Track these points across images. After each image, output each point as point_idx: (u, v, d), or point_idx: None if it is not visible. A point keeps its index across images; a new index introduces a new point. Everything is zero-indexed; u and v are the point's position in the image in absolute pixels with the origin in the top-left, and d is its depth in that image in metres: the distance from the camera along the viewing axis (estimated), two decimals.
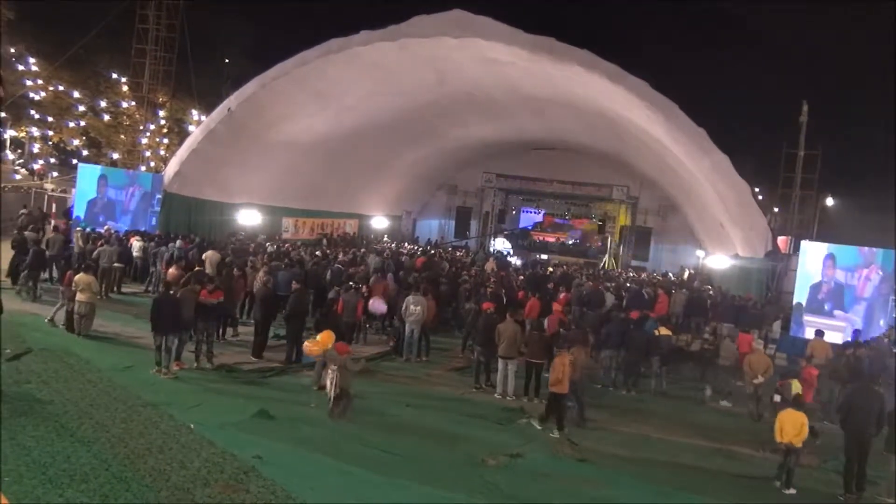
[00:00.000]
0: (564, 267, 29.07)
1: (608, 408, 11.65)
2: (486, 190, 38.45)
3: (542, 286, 18.88)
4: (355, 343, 13.73)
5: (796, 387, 10.09)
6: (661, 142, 21.09)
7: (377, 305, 13.19)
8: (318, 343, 9.30)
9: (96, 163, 29.72)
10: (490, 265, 24.73)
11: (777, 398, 10.02)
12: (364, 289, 14.60)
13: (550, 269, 26.24)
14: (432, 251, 28.15)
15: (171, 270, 13.97)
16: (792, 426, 8.43)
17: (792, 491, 8.41)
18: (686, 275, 29.56)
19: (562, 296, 16.93)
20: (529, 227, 42.13)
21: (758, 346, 12.34)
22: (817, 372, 11.01)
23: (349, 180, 30.97)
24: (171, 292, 10.88)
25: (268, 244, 21.89)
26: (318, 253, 20.84)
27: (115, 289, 16.47)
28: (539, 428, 9.79)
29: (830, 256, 17.02)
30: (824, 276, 16.96)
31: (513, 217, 42.03)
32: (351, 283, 14.34)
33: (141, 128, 31.37)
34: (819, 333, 13.81)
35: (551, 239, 41.02)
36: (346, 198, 32.44)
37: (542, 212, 41.00)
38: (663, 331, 13.23)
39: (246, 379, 11.04)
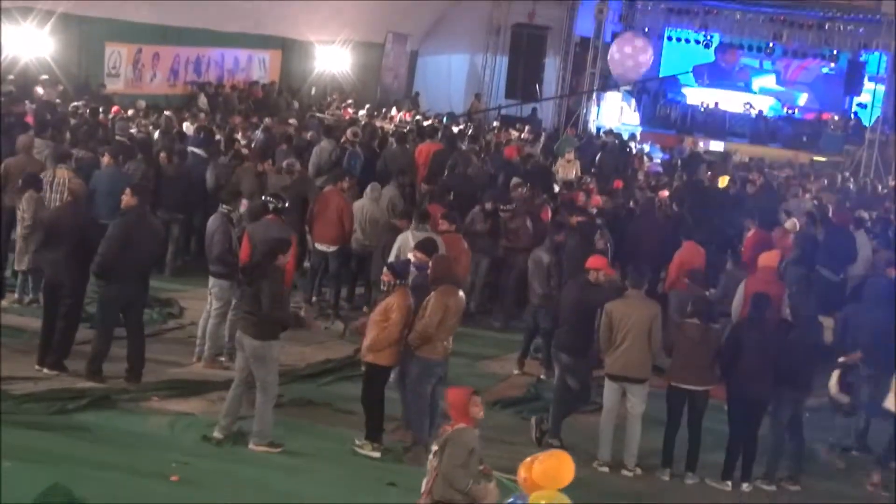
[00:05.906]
0: (766, 171, 27.28)
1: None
2: None
3: (709, 217, 19.88)
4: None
5: None
6: None
7: None
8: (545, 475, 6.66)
9: None
10: (566, 166, 23.31)
11: None
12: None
13: (727, 179, 24.52)
14: (456, 130, 27.53)
15: None
16: None
17: None
18: None
19: (748, 235, 16.69)
20: (685, 78, 39.03)
21: None
22: None
23: None
24: None
25: (77, 106, 21.45)
26: (186, 127, 21.55)
27: None
28: None
29: None
30: None
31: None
32: (268, 199, 13.58)
33: None
34: None
35: (735, 106, 37.88)
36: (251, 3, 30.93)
37: (715, 37, 37.11)
38: None
39: (25, 415, 10.43)
